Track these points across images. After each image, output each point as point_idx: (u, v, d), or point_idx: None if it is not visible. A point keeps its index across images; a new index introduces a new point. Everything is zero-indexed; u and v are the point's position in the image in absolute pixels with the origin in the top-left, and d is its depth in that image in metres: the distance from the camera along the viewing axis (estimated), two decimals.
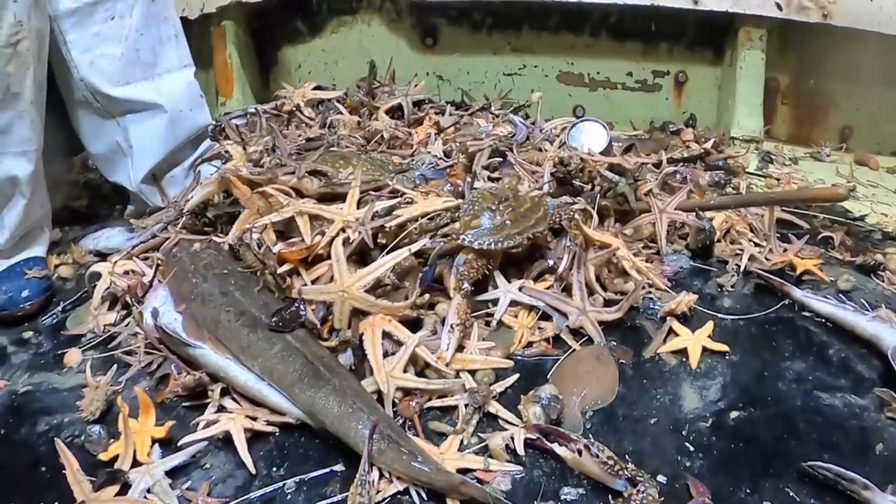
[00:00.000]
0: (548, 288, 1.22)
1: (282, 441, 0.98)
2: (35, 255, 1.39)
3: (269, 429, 0.98)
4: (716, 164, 1.93)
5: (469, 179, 1.42)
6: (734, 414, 1.03)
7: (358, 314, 1.10)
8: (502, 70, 2.38)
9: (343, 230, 1.20)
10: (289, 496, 0.89)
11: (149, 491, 0.88)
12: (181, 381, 1.02)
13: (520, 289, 1.20)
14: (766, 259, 1.41)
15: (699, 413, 1.04)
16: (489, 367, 1.08)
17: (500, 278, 1.21)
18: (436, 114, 2.03)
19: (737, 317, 1.26)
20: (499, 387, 1.05)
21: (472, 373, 1.07)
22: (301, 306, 1.08)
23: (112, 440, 0.96)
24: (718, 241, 1.48)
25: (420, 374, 1.05)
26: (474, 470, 0.91)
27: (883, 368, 1.12)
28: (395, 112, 2.02)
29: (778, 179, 1.94)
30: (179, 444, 0.95)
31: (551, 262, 1.25)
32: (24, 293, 1.30)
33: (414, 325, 1.13)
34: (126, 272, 1.27)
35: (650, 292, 1.29)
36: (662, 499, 0.86)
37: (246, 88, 2.30)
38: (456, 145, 1.70)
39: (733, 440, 0.99)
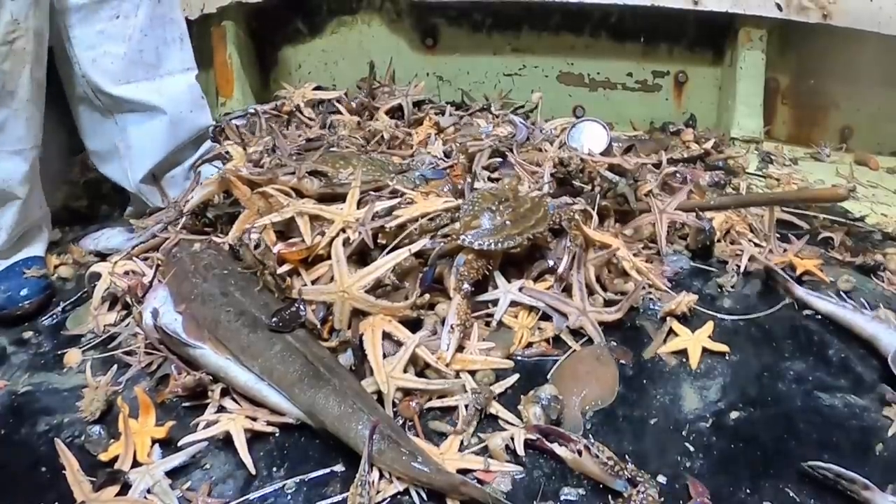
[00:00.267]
0: (548, 288, 1.22)
1: (282, 441, 0.98)
2: (33, 254, 1.39)
3: (269, 429, 0.98)
4: (716, 165, 1.93)
5: (469, 180, 1.42)
6: (734, 414, 1.03)
7: (358, 314, 1.10)
8: (502, 70, 2.38)
9: (343, 230, 1.20)
10: (289, 496, 0.89)
11: (149, 491, 0.88)
12: (181, 382, 1.02)
13: (520, 289, 1.19)
14: (766, 259, 1.41)
15: (699, 413, 1.04)
16: (489, 368, 1.08)
17: (500, 279, 1.21)
18: (436, 114, 2.02)
19: (737, 317, 1.26)
20: (499, 387, 1.05)
21: (472, 373, 1.07)
22: (301, 306, 1.08)
23: (112, 440, 0.96)
24: (718, 241, 1.48)
25: (420, 374, 1.05)
26: (474, 470, 0.91)
27: (882, 370, 1.12)
28: (396, 112, 2.02)
29: (778, 180, 1.93)
30: (179, 444, 0.95)
31: (551, 263, 1.24)
32: (23, 292, 1.29)
33: (414, 325, 1.13)
34: (126, 272, 1.26)
35: (650, 293, 1.29)
36: (662, 499, 0.86)
37: (246, 89, 2.30)
38: (456, 146, 1.69)
39: (733, 440, 0.99)
